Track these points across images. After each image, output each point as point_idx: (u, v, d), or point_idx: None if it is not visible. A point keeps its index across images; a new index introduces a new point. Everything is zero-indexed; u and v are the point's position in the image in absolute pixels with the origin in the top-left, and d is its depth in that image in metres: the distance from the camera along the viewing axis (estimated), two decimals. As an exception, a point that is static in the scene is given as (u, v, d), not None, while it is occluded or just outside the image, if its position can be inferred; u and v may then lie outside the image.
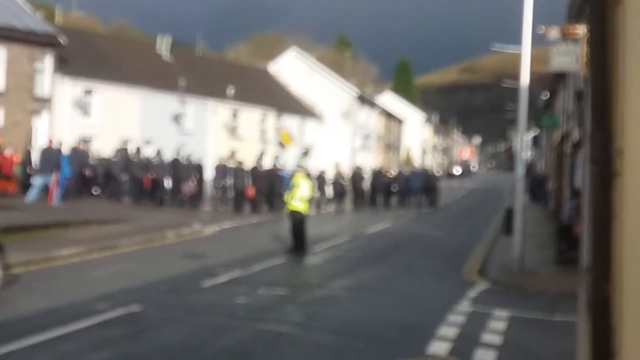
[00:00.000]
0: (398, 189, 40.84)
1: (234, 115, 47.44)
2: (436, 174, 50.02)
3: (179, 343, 9.41)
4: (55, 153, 26.19)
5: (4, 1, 34.32)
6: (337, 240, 22.32)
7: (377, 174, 40.91)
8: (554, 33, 17.02)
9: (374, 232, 26.18)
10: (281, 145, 52.53)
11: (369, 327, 10.92)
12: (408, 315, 12.03)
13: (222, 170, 30.20)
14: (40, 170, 25.76)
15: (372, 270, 17.26)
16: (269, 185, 30.91)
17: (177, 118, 42.00)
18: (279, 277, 15.40)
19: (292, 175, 22.82)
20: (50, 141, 27.83)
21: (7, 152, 27.60)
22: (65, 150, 27.65)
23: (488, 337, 10.45)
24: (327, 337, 10.07)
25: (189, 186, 29.18)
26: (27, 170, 27.52)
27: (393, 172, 44.47)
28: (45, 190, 25.45)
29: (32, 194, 25.10)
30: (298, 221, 18.94)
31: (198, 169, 30.64)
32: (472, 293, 14.37)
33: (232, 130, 47.05)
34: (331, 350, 9.45)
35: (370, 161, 58.85)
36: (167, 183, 28.88)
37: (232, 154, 43.62)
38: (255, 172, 30.91)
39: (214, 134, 45.28)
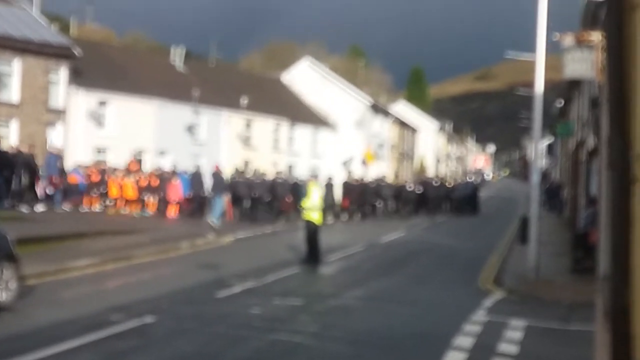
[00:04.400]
0: (453, 197, 44.81)
1: (248, 125, 47.48)
2: (478, 184, 56.39)
3: (194, 354, 9.37)
4: (221, 176, 29.46)
5: (19, 13, 34.56)
6: (350, 250, 22.25)
7: (441, 184, 46.02)
8: (568, 40, 16.91)
9: (388, 241, 26.09)
10: (364, 162, 57.22)
11: (383, 337, 10.85)
12: (423, 325, 11.94)
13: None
14: (215, 192, 28.40)
15: (386, 279, 17.18)
16: (361, 196, 36.80)
17: (191, 128, 42.05)
18: (293, 287, 15.34)
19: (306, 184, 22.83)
20: (217, 167, 30.42)
21: (175, 181, 29.59)
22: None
23: (504, 347, 10.35)
24: (341, 347, 10.01)
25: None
26: (203, 193, 30.18)
27: (451, 182, 51.06)
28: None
29: (216, 214, 27.46)
30: (311, 231, 18.89)
31: (294, 186, 33.04)
32: (488, 302, 14.26)
33: (246, 140, 47.06)
34: (346, 360, 9.38)
35: (384, 170, 58.69)
36: (266, 200, 31.44)
37: (246, 165, 43.72)
38: (347, 185, 36.92)
39: (227, 144, 45.30)
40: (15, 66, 32.07)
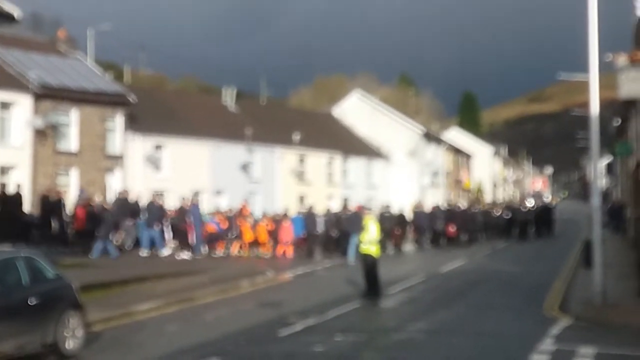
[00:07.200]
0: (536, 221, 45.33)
1: (301, 161, 47.73)
2: (553, 206, 58.11)
3: (259, 395, 9.37)
4: (359, 216, 30.29)
5: (74, 64, 35.52)
6: (411, 281, 22.06)
7: (529, 209, 47.66)
8: (621, 60, 16.67)
9: (448, 270, 25.81)
10: (463, 189, 63.96)
11: (450, 370, 10.69)
12: (489, 358, 11.74)
13: (419, 213, 35.99)
14: (352, 231, 28.48)
15: (449, 310, 16.97)
16: (464, 223, 37.89)
17: (245, 167, 42.46)
18: (355, 323, 15.25)
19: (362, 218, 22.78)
20: (359, 207, 31.33)
21: (286, 222, 30.27)
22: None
23: (575, 377, 10.11)
24: (408, 383, 9.89)
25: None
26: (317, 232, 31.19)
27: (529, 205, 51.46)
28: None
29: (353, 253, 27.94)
30: (370, 264, 18.79)
31: (400, 218, 34.95)
32: (555, 330, 13.96)
33: (300, 176, 47.29)
34: (413, 396, 9.26)
35: (440, 198, 58.30)
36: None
37: (301, 199, 43.87)
38: (451, 212, 39.00)
39: (281, 180, 45.59)
40: (73, 116, 32.88)
